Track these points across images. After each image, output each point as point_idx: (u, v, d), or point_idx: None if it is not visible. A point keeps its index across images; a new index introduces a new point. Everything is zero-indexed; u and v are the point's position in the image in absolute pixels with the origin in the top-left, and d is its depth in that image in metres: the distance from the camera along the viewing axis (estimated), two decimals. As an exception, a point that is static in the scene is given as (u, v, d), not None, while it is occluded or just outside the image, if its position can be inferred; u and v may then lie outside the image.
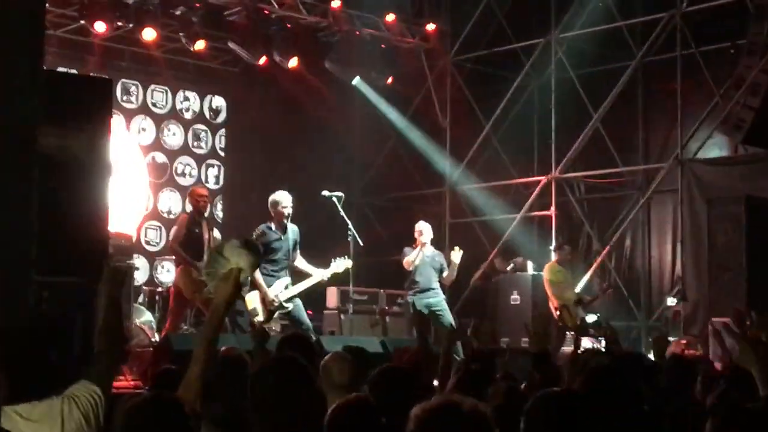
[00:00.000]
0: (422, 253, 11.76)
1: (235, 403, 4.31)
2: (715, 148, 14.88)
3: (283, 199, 10.44)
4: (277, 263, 10.38)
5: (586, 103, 15.31)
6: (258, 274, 10.20)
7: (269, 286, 10.26)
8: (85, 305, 6.97)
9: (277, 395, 3.74)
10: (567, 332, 12.18)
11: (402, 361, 7.18)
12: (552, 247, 13.78)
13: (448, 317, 11.70)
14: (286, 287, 10.35)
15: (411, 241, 11.94)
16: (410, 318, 12.32)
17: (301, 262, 10.60)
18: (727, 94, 14.07)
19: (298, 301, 10.42)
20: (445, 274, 11.86)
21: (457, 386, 4.88)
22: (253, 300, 10.31)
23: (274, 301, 10.22)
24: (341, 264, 10.69)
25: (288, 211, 10.39)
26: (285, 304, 10.30)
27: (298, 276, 10.61)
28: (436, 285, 11.83)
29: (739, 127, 13.72)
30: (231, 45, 14.24)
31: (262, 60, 14.38)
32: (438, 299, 11.82)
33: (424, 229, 11.88)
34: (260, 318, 10.23)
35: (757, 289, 12.30)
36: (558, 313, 12.42)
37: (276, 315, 10.33)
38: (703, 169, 14.19)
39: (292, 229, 10.52)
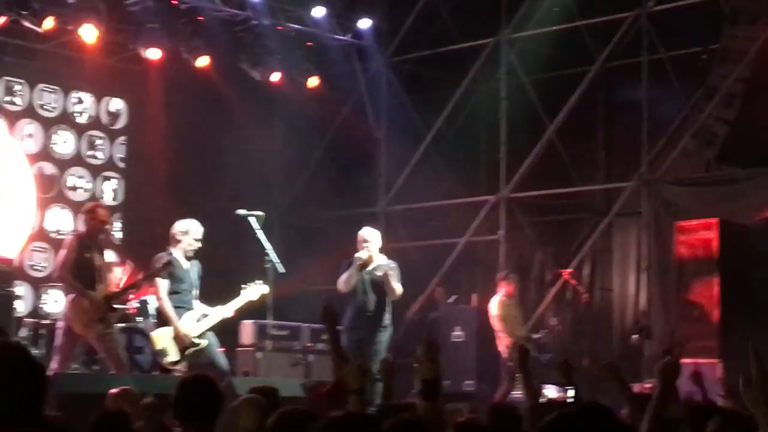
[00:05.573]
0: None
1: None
2: (685, 166, 15.08)
3: (196, 231, 10.34)
4: (184, 294, 10.27)
5: (540, 113, 15.44)
6: (169, 307, 10.08)
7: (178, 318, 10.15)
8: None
9: None
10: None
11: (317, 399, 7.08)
12: (499, 277, 13.61)
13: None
14: (198, 320, 10.24)
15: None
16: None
17: (198, 305, 10.47)
18: (698, 106, 14.28)
19: (212, 336, 10.30)
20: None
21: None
22: (162, 338, 10.16)
23: (187, 336, 10.09)
24: (255, 290, 10.53)
25: (197, 245, 10.32)
26: (196, 341, 10.17)
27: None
28: None
29: (712, 142, 13.94)
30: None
31: (156, 55, 14.28)
32: None
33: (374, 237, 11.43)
34: (172, 358, 10.10)
35: (730, 326, 12.46)
36: (509, 351, 12.40)
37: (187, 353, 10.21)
38: (671, 190, 14.35)
39: (194, 263, 10.44)
